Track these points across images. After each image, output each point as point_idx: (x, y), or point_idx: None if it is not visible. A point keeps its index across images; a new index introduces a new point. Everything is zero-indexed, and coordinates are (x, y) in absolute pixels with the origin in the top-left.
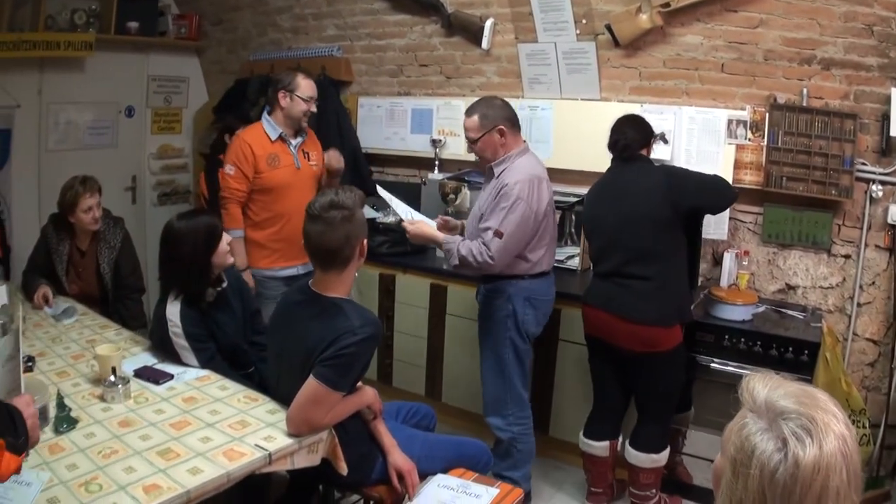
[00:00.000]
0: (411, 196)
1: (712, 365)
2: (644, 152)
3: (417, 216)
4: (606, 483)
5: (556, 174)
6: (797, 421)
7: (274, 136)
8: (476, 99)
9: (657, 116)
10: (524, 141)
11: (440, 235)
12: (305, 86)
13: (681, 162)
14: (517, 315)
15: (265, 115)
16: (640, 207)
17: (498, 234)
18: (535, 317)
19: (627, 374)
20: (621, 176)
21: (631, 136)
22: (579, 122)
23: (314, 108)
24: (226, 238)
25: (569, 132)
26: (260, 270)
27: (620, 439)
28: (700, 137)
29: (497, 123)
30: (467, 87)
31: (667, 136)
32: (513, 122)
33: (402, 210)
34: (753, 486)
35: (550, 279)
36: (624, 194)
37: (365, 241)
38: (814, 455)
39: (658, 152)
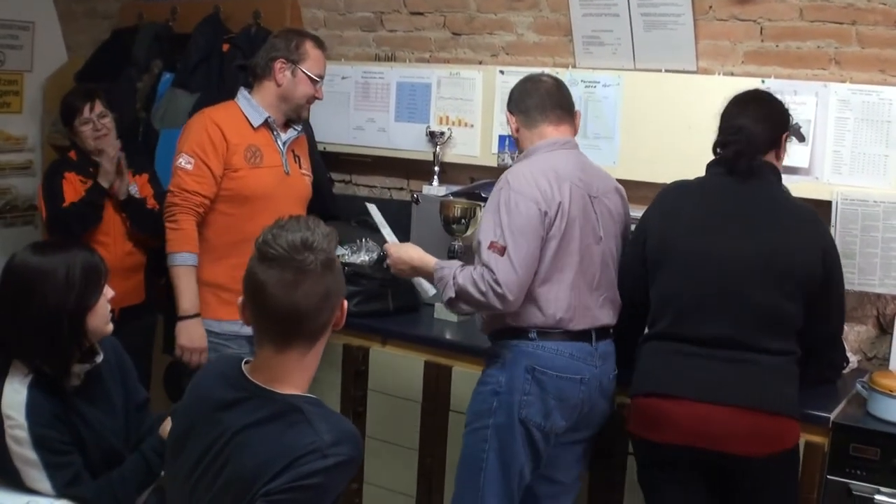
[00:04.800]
0: (395, 220)
1: (877, 497)
2: (772, 156)
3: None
4: None
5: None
6: None
7: (257, 122)
8: (501, 69)
9: (790, 99)
10: (566, 135)
11: (431, 259)
12: (316, 58)
13: (826, 172)
14: (513, 392)
15: (243, 91)
16: (780, 250)
17: (496, 247)
18: (541, 401)
19: (726, 497)
20: (735, 196)
21: (752, 134)
22: (663, 108)
23: (321, 96)
24: (108, 292)
25: (646, 123)
26: (217, 323)
27: None
28: (858, 133)
29: (509, 108)
30: (486, 50)
31: (803, 131)
32: (535, 106)
33: (387, 233)
34: None
35: (584, 349)
36: (746, 225)
37: (345, 303)
38: None
39: (790, 155)
